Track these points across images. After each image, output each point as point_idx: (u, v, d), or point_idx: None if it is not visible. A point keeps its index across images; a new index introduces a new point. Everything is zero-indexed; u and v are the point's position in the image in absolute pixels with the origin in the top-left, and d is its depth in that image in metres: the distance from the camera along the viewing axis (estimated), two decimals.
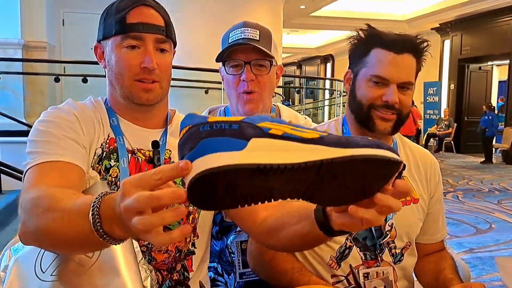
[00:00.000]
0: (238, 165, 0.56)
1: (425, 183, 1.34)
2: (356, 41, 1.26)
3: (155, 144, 1.10)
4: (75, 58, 6.20)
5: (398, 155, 0.66)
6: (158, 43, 1.06)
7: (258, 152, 0.57)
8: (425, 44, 1.23)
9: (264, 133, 0.60)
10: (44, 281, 0.86)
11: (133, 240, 0.88)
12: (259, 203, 0.63)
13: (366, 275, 1.22)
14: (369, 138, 0.65)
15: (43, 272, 0.87)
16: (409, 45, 1.20)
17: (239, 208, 0.62)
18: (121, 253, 0.85)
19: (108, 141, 1.08)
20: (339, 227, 0.75)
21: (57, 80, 5.84)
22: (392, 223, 1.24)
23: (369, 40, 1.22)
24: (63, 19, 7.02)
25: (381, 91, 1.19)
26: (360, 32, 1.25)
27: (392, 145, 1.32)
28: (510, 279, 1.07)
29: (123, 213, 0.60)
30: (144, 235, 0.60)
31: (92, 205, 0.68)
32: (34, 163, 0.95)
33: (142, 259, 0.90)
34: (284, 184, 0.61)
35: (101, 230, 0.67)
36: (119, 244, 0.70)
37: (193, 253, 1.14)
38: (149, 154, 1.10)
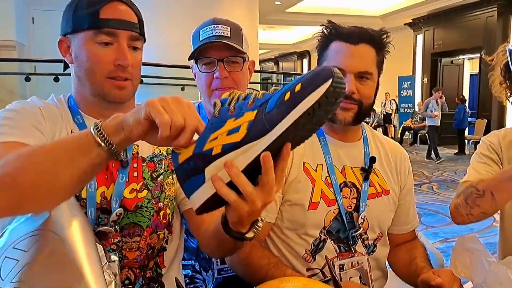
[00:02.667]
0: (207, 200, 0.73)
1: (395, 175, 1.36)
2: (320, 37, 1.29)
3: None
4: (46, 56, 6.03)
5: (327, 70, 0.67)
6: (132, 41, 1.05)
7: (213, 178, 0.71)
8: (385, 35, 1.26)
9: (209, 158, 0.71)
10: None
11: (97, 244, 0.86)
12: None
13: (341, 266, 1.24)
14: (285, 98, 0.68)
15: (2, 280, 0.83)
16: (364, 36, 1.22)
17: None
18: (85, 257, 0.82)
19: None
20: (232, 223, 0.82)
21: (27, 79, 5.68)
22: (365, 215, 1.26)
23: (329, 34, 1.26)
24: (33, 17, 6.84)
25: None
26: (323, 28, 1.28)
27: (362, 139, 1.34)
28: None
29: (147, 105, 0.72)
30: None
31: (94, 125, 0.77)
32: None
33: (106, 263, 0.88)
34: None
35: (101, 135, 0.75)
36: (114, 155, 0.77)
37: (164, 249, 1.14)
38: None
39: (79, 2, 1.05)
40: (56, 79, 5.36)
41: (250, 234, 0.85)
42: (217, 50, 1.41)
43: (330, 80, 0.65)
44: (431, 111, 10.10)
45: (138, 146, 1.11)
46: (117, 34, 1.02)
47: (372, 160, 1.28)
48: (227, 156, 0.70)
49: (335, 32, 1.25)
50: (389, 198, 1.33)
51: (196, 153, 0.72)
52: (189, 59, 1.48)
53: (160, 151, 1.15)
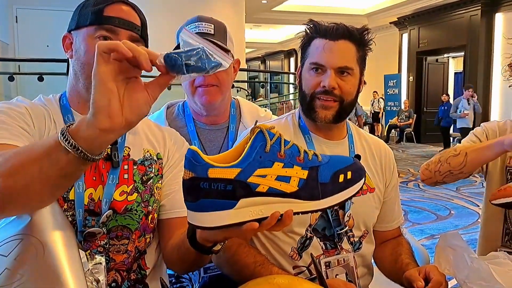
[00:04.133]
0: (225, 225, 0.73)
1: (380, 173, 1.37)
2: (302, 36, 1.30)
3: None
4: (31, 55, 5.98)
5: (364, 169, 0.84)
6: (131, 41, 1.04)
7: (244, 209, 0.73)
8: (366, 32, 1.27)
9: (252, 192, 0.73)
10: None
11: (79, 250, 0.85)
12: None
13: (327, 264, 1.25)
14: (340, 179, 0.79)
15: None
16: (343, 32, 1.23)
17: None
18: (66, 263, 0.80)
19: None
20: (201, 239, 0.85)
21: (11, 79, 5.61)
22: (350, 213, 1.27)
23: (310, 32, 1.27)
24: (16, 16, 6.75)
25: (320, 78, 1.22)
26: (305, 27, 1.29)
27: (346, 136, 1.35)
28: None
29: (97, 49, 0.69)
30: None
31: (61, 130, 0.72)
32: None
33: (88, 269, 0.86)
34: None
35: (67, 136, 0.71)
36: (89, 160, 0.72)
37: (145, 252, 1.14)
38: (106, 151, 1.07)
39: (86, 2, 1.07)
40: (41, 79, 5.31)
41: (217, 247, 0.88)
42: None
43: (364, 178, 0.84)
44: (461, 112, 9.14)
45: (129, 148, 1.11)
46: (117, 32, 1.04)
47: (358, 157, 1.28)
48: (270, 199, 0.75)
49: (315, 30, 1.26)
50: (374, 196, 1.34)
51: (239, 180, 0.73)
52: None
53: (151, 155, 1.15)
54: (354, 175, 0.81)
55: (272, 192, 0.74)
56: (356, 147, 1.34)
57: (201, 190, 0.72)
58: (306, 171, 0.77)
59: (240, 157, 0.74)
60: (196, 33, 1.41)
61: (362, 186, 0.83)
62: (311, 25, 1.28)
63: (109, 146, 1.08)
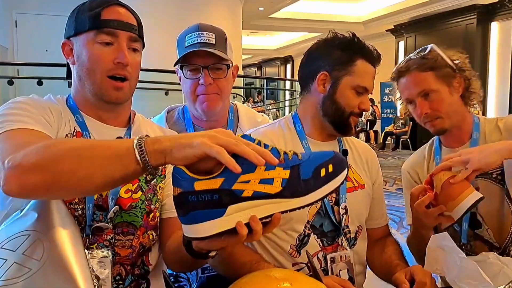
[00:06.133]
0: (218, 233, 0.76)
1: (367, 170, 1.44)
2: (337, 46, 1.33)
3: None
4: (30, 60, 6.02)
5: (345, 160, 0.86)
6: (131, 42, 1.10)
7: (233, 215, 0.76)
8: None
9: (238, 198, 0.76)
10: None
11: (85, 250, 0.88)
12: None
13: (332, 259, 1.29)
14: (322, 173, 0.81)
15: None
16: (379, 60, 1.35)
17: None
18: (73, 258, 0.83)
19: (75, 134, 1.09)
20: (197, 248, 0.88)
21: (10, 83, 5.64)
22: (346, 206, 1.32)
23: (355, 49, 1.32)
24: (15, 20, 6.79)
25: (359, 99, 1.32)
26: (342, 37, 1.34)
27: (336, 138, 1.41)
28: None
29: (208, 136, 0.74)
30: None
31: (137, 141, 0.77)
32: (9, 128, 0.93)
33: (90, 267, 0.87)
34: None
35: (142, 155, 0.76)
36: (148, 173, 0.78)
37: (150, 249, 1.17)
38: None
39: (81, 7, 1.10)
40: (40, 83, 5.34)
41: (212, 253, 0.91)
42: (202, 57, 1.45)
43: (347, 168, 0.85)
44: None
45: None
46: (117, 34, 1.07)
47: (345, 152, 1.38)
48: (256, 202, 0.77)
49: (361, 50, 1.32)
50: (365, 192, 1.40)
51: (224, 189, 0.75)
52: (175, 65, 1.52)
53: None
54: (335, 168, 0.83)
55: (257, 196, 0.77)
56: (345, 146, 1.43)
57: (190, 203, 0.75)
58: (288, 170, 0.79)
59: (222, 168, 0.76)
60: (197, 43, 1.45)
61: (345, 177, 0.85)
62: (357, 43, 1.32)
63: None
